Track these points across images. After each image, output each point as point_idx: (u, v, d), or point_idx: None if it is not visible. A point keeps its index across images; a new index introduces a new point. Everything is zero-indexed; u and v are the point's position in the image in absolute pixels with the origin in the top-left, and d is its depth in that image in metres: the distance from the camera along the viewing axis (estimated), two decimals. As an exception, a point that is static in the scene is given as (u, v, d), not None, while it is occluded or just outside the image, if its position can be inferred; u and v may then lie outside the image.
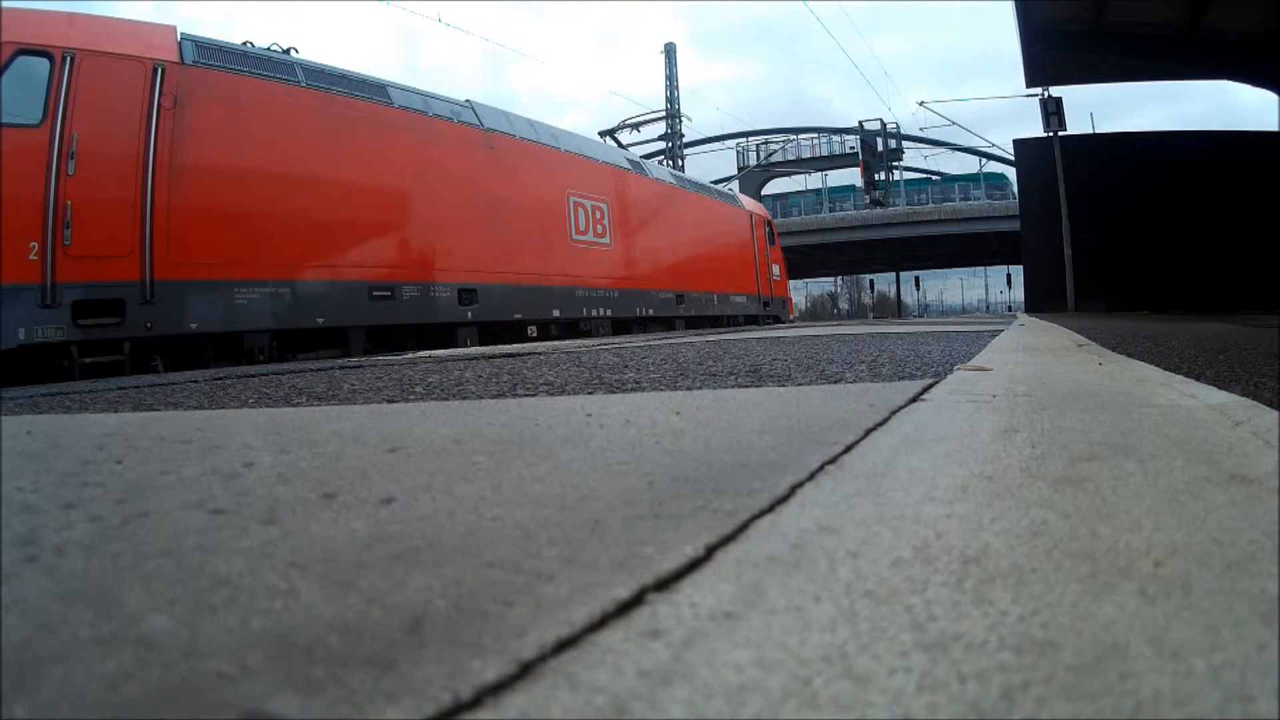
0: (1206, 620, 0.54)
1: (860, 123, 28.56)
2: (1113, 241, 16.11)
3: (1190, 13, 13.78)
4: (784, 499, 0.91)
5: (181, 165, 6.40)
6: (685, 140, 35.25)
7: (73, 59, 5.92)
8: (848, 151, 34.18)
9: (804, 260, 39.88)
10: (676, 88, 34.75)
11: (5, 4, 5.90)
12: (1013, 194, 29.87)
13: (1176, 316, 11.46)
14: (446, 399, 2.38)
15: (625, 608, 0.59)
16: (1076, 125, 21.22)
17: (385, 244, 8.23)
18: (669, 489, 0.97)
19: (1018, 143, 18.53)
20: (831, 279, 63.72)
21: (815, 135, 37.83)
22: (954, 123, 42.06)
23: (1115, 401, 1.67)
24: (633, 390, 2.40)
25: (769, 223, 18.24)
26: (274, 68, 7.48)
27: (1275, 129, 15.43)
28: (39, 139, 5.68)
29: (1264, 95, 16.09)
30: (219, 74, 6.90)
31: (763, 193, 35.16)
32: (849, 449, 1.20)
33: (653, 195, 13.32)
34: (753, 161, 36.45)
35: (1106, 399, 1.72)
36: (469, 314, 9.04)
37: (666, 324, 13.30)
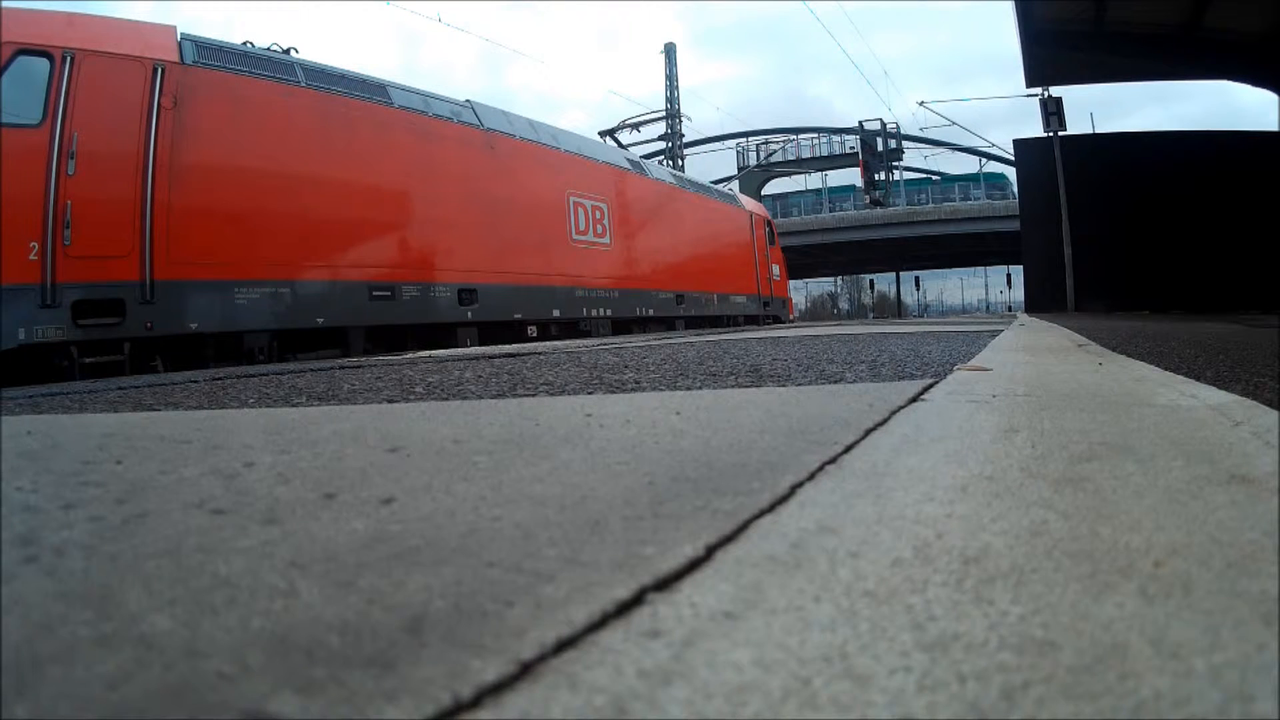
0: (1206, 620, 0.54)
1: (860, 123, 28.57)
2: (1113, 241, 16.09)
3: (1190, 13, 13.77)
4: (784, 499, 0.91)
5: (181, 165, 6.39)
6: (685, 140, 35.23)
7: (73, 59, 5.92)
8: (848, 151, 34.19)
9: (804, 260, 39.86)
10: (676, 88, 34.72)
11: (5, 4, 5.90)
12: (1013, 194, 29.84)
13: (1176, 317, 11.46)
14: (446, 399, 2.38)
15: (625, 608, 0.59)
16: (1076, 125, 21.22)
17: (385, 244, 8.23)
18: (669, 489, 0.97)
19: (1018, 143, 18.52)
20: (831, 279, 63.75)
21: (815, 135, 37.82)
22: (954, 123, 42.03)
23: (1115, 402, 1.67)
24: (633, 390, 2.40)
25: (769, 223, 18.23)
26: (274, 68, 7.48)
27: (1275, 129, 15.42)
28: (39, 139, 5.68)
29: (1264, 95, 16.08)
30: (219, 74, 6.90)
31: (763, 193, 35.16)
32: (849, 449, 1.20)
33: (653, 195, 13.32)
34: (753, 161, 36.45)
35: (1107, 399, 1.72)
36: (469, 314, 9.04)
37: (666, 324, 13.30)
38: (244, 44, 7.58)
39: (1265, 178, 14.88)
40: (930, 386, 2.07)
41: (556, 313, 10.42)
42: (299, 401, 2.47)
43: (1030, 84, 16.61)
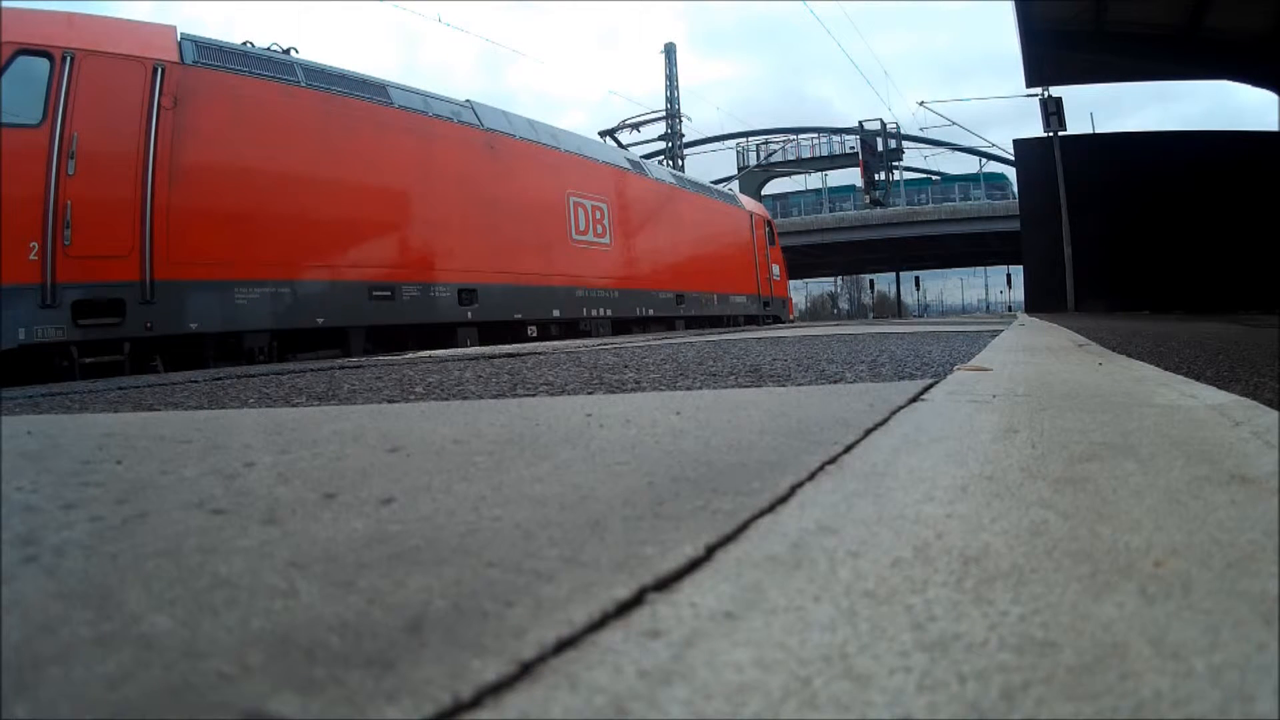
0: (1206, 620, 0.54)
1: (860, 123, 28.59)
2: (1113, 241, 16.11)
3: (1190, 13, 13.77)
4: (784, 499, 0.91)
5: (181, 165, 6.40)
6: (685, 140, 35.21)
7: (73, 59, 5.92)
8: (848, 151, 34.21)
9: (804, 260, 39.86)
10: (676, 88, 34.70)
11: (5, 4, 5.90)
12: (1013, 194, 29.83)
13: (1176, 316, 11.46)
14: (446, 399, 2.38)
15: (625, 608, 0.59)
16: (1076, 125, 21.24)
17: (385, 244, 8.24)
18: (669, 489, 0.97)
19: (1018, 143, 18.53)
20: (831, 279, 63.74)
21: (815, 135, 37.84)
22: (954, 123, 42.16)
23: (1115, 402, 1.67)
24: (633, 390, 2.40)
25: (769, 223, 18.23)
26: (274, 68, 7.48)
27: (1275, 129, 15.42)
28: (39, 139, 5.68)
29: (1264, 95, 16.08)
30: (219, 74, 6.90)
31: (763, 193, 35.17)
32: (849, 449, 1.20)
33: (653, 195, 13.32)
34: (753, 161, 36.45)
35: (1106, 399, 1.72)
36: (469, 314, 9.04)
37: (666, 324, 13.30)
38: (244, 44, 7.58)
39: (1265, 178, 14.89)
40: (930, 386, 2.07)
41: (556, 313, 10.42)
42: (299, 401, 2.47)
43: (1030, 84, 16.63)
